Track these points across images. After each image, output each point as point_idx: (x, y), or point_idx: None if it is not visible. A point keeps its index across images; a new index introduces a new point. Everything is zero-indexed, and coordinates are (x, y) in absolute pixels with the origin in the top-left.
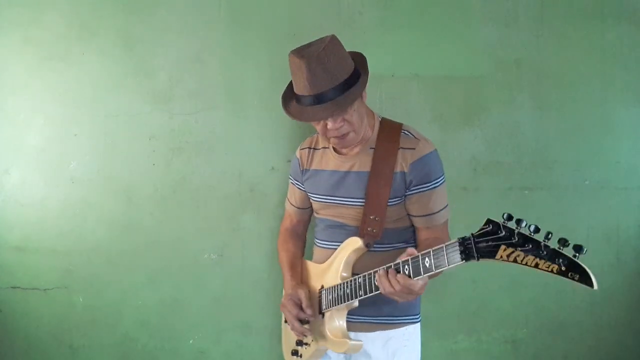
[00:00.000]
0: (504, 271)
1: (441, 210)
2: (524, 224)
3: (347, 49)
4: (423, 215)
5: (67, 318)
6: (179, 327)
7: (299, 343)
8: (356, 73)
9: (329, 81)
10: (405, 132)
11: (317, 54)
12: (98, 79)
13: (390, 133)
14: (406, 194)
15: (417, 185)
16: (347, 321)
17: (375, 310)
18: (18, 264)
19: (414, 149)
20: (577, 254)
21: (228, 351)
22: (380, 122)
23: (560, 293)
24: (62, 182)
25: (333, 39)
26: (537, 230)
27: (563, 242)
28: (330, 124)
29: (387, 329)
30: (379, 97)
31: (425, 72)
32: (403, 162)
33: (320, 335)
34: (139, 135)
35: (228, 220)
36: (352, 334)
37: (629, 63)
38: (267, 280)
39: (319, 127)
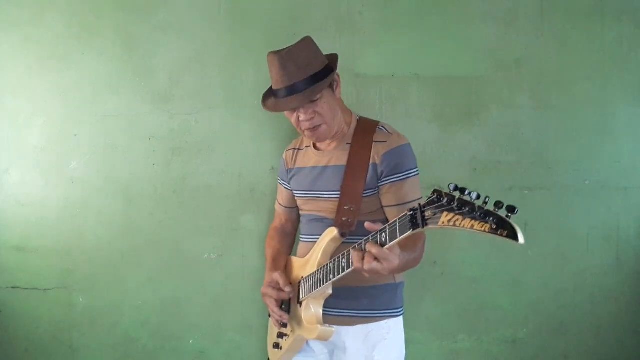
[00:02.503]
0: (504, 271)
1: (414, 201)
2: (466, 192)
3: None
4: (396, 205)
5: (67, 318)
6: (179, 327)
7: (280, 335)
8: (328, 68)
9: (299, 74)
10: (380, 127)
11: (289, 50)
12: (98, 79)
13: (366, 129)
14: (379, 184)
15: (388, 176)
16: (328, 315)
17: (354, 304)
18: (18, 264)
19: (385, 141)
20: (509, 214)
21: (228, 351)
22: (358, 120)
23: (560, 293)
24: (62, 182)
25: (306, 38)
26: (478, 197)
27: (498, 204)
28: (302, 116)
29: (367, 323)
30: (379, 97)
31: (425, 72)
32: (376, 155)
33: (297, 324)
34: (139, 135)
35: (228, 220)
36: (333, 328)
37: (629, 63)
38: None
39: (293, 119)
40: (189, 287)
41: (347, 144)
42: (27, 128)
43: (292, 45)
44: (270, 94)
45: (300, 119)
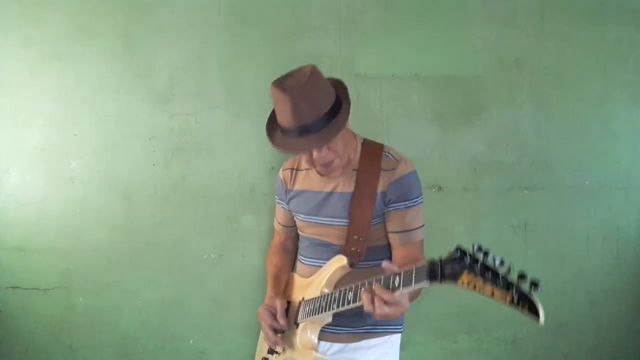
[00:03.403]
0: None
1: (418, 228)
2: (490, 256)
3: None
4: (400, 232)
5: (67, 318)
6: (179, 327)
7: (270, 351)
8: (338, 101)
9: (312, 113)
10: (386, 153)
11: (300, 89)
12: (98, 79)
13: (372, 155)
14: (384, 211)
15: (394, 203)
16: (332, 333)
17: (359, 321)
18: (18, 264)
19: (394, 169)
20: (533, 288)
21: (228, 351)
22: (362, 144)
23: (560, 293)
24: (62, 182)
25: (314, 71)
26: (502, 263)
27: (521, 275)
28: (315, 154)
29: (371, 338)
30: (379, 97)
31: (425, 72)
32: (383, 183)
33: (290, 345)
34: (139, 135)
35: (228, 220)
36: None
37: (629, 63)
38: (266, 280)
39: (304, 156)
40: (189, 287)
41: (354, 170)
42: (27, 128)
43: (299, 80)
44: (274, 124)
45: (314, 156)
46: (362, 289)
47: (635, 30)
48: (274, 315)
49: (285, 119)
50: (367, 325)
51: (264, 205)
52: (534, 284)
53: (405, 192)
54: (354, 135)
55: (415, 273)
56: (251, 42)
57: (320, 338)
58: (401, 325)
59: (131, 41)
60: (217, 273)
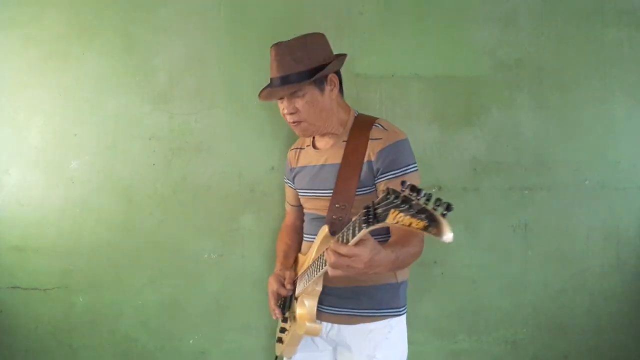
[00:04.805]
0: (503, 271)
1: None
2: (417, 191)
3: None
4: None
5: (67, 318)
6: (179, 327)
7: (282, 330)
8: (325, 66)
9: (291, 67)
10: (377, 124)
11: (288, 42)
12: (98, 79)
13: (363, 127)
14: (375, 181)
15: (385, 173)
16: (329, 313)
17: (355, 303)
18: (18, 264)
19: (381, 138)
20: (446, 212)
21: (228, 351)
22: (356, 117)
23: (560, 293)
24: (62, 182)
25: (313, 34)
26: (424, 195)
27: (437, 201)
28: (285, 109)
29: (368, 322)
30: (379, 97)
31: (425, 72)
32: (371, 152)
33: (294, 319)
34: (139, 135)
35: (228, 220)
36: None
37: (629, 63)
38: (267, 280)
39: (280, 111)
40: (189, 287)
41: (343, 141)
42: (27, 128)
43: (296, 37)
44: (269, 85)
45: (284, 111)
46: (326, 249)
47: (634, 31)
48: (281, 283)
49: (271, 69)
50: (362, 309)
51: (264, 205)
52: (447, 206)
53: (394, 160)
54: (348, 108)
55: (358, 221)
56: (251, 42)
57: (321, 319)
58: (401, 308)
59: (131, 41)
60: (217, 273)
